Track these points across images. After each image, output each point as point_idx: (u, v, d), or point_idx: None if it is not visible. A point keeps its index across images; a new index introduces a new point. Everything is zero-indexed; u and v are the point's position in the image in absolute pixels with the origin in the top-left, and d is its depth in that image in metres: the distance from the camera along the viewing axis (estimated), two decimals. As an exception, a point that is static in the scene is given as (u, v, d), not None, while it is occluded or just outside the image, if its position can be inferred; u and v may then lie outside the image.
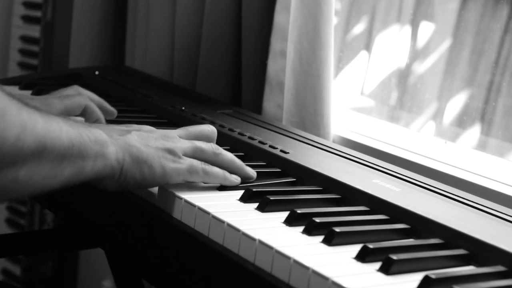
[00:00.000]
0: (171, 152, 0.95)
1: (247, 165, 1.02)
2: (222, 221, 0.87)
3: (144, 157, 0.93)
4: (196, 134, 1.02)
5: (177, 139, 0.98)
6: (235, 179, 0.99)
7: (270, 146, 1.12)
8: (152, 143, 0.95)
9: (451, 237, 0.86)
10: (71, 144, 0.86)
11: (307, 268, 0.76)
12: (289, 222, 0.89)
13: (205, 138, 1.02)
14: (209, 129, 1.04)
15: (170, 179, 0.95)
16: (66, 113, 1.14)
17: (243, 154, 1.11)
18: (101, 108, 1.20)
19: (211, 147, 0.99)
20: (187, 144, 0.98)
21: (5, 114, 0.79)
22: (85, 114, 1.17)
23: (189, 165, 0.96)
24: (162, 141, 0.96)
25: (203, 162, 0.97)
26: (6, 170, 0.81)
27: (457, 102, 1.54)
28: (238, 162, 1.01)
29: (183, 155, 0.96)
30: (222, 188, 0.98)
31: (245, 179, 1.01)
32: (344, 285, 0.74)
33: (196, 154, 0.98)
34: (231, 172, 0.99)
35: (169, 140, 0.97)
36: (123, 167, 0.92)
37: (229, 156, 1.00)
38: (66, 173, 0.87)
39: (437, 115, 1.57)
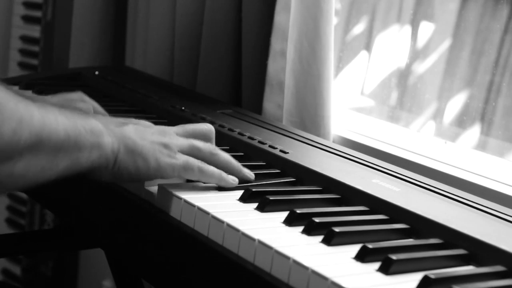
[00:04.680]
0: (166, 147, 0.95)
1: (246, 165, 1.02)
2: (221, 221, 0.86)
3: (139, 149, 0.93)
4: (193, 132, 1.01)
5: (173, 135, 0.98)
6: (232, 180, 0.98)
7: (270, 146, 1.12)
8: (148, 137, 0.95)
9: (450, 237, 0.86)
10: (67, 136, 0.86)
11: (306, 268, 0.76)
12: (288, 222, 0.89)
13: (203, 137, 1.01)
14: (207, 127, 1.03)
15: (164, 174, 0.95)
16: None
17: (242, 154, 1.11)
18: None
19: (208, 147, 0.99)
20: (183, 142, 0.97)
21: (3, 108, 0.79)
22: None
23: (185, 161, 0.95)
24: (159, 135, 0.96)
25: (199, 161, 0.96)
26: (3, 164, 0.80)
27: (457, 102, 1.54)
28: (235, 163, 1.00)
29: (179, 151, 0.96)
30: (222, 188, 0.98)
31: (243, 181, 1.00)
32: (343, 285, 0.74)
33: (193, 152, 0.97)
34: (228, 173, 0.99)
35: (165, 136, 0.97)
36: (117, 158, 0.92)
37: (226, 156, 0.99)
38: (61, 165, 0.87)
39: (437, 115, 1.57)
